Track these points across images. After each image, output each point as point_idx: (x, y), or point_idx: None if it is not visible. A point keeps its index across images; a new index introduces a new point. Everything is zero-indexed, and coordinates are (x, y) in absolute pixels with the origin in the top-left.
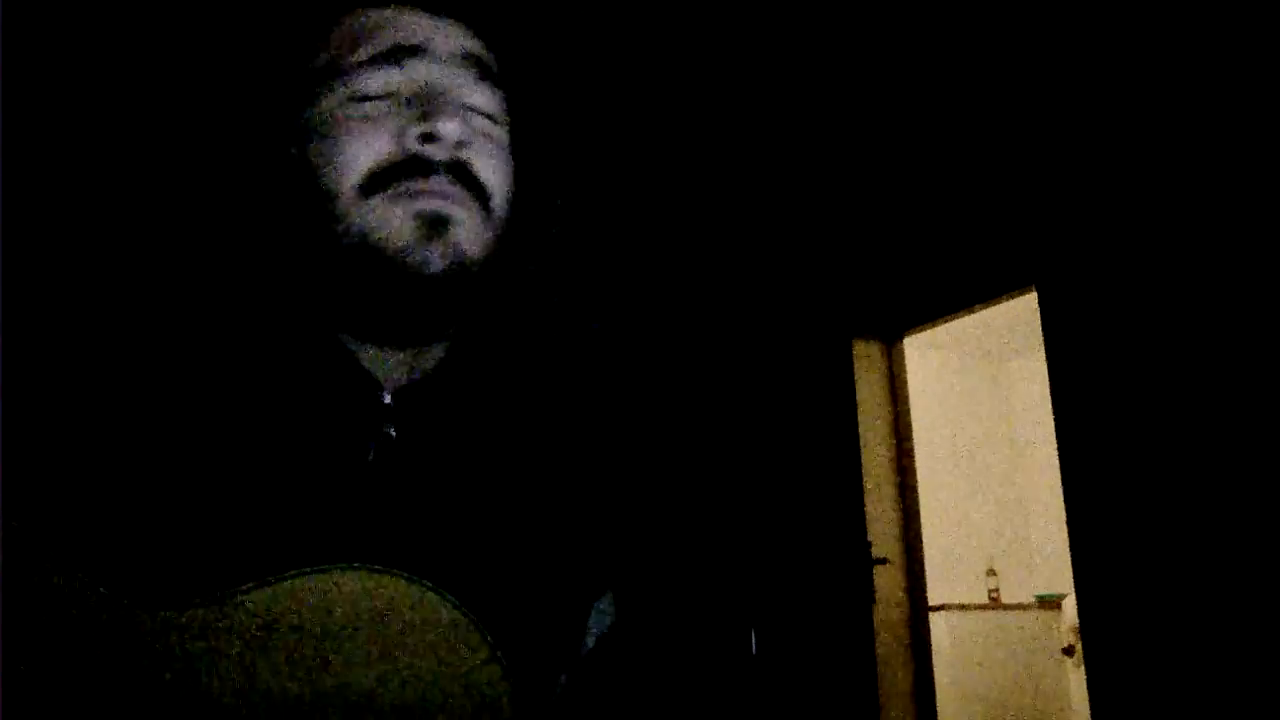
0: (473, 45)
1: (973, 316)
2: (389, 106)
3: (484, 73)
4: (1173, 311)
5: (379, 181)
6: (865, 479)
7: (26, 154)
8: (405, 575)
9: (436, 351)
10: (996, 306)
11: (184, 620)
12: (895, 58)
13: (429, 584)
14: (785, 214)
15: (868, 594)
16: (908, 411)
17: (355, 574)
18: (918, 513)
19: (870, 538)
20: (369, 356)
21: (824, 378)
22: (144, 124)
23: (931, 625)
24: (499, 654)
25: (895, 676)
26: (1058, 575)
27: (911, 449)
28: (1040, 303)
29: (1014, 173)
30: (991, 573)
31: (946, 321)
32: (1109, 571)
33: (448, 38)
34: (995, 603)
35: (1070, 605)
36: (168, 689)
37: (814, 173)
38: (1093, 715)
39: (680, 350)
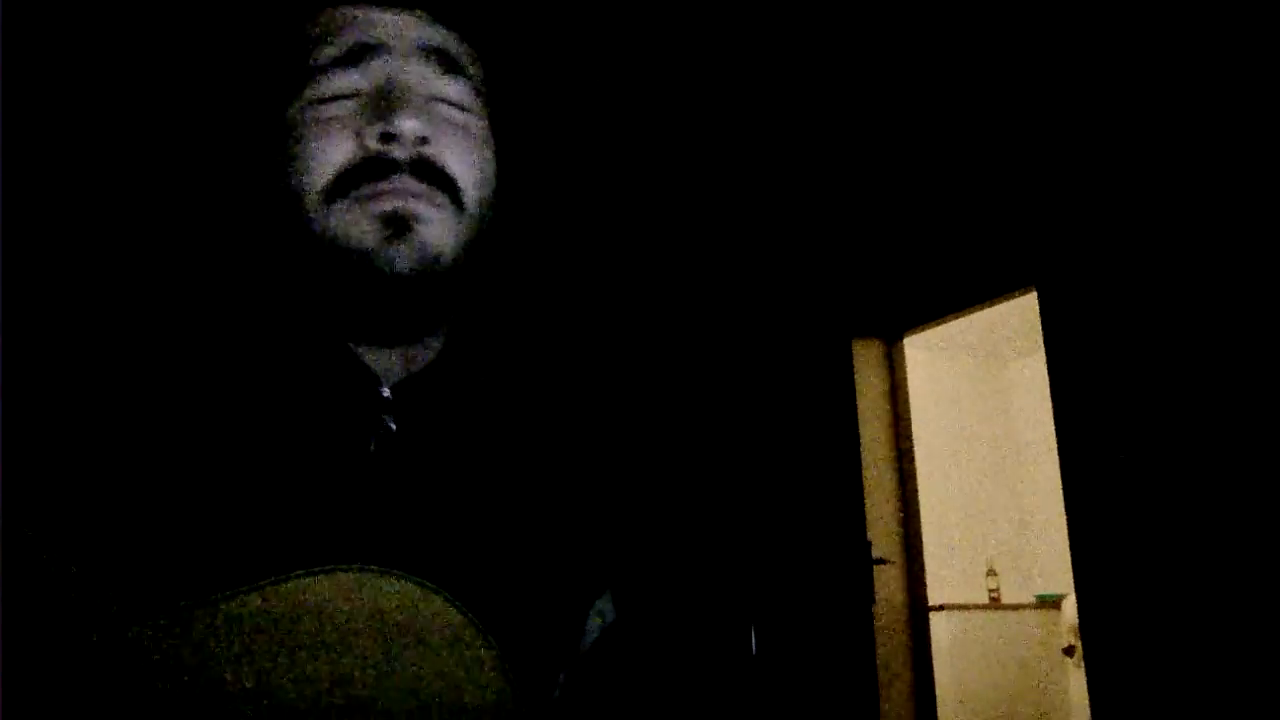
0: (437, 36)
1: (973, 316)
2: (352, 107)
3: (449, 63)
4: (1173, 312)
5: (342, 185)
6: (865, 479)
7: (20, 160)
8: (406, 576)
9: (433, 345)
10: (996, 307)
11: (185, 621)
12: (896, 58)
13: (430, 584)
14: (785, 214)
15: (868, 594)
16: (908, 411)
17: (357, 575)
18: (918, 513)
19: (870, 538)
20: (366, 352)
21: (824, 378)
22: (132, 131)
23: (931, 625)
24: (499, 654)
25: (895, 676)
26: (1058, 575)
27: (911, 449)
28: (1040, 303)
29: (1014, 173)
30: (991, 573)
31: (946, 321)
32: (1109, 571)
33: (408, 31)
34: (995, 603)
35: (1070, 605)
36: (168, 690)
37: (814, 173)
38: (1093, 715)
39: (681, 349)
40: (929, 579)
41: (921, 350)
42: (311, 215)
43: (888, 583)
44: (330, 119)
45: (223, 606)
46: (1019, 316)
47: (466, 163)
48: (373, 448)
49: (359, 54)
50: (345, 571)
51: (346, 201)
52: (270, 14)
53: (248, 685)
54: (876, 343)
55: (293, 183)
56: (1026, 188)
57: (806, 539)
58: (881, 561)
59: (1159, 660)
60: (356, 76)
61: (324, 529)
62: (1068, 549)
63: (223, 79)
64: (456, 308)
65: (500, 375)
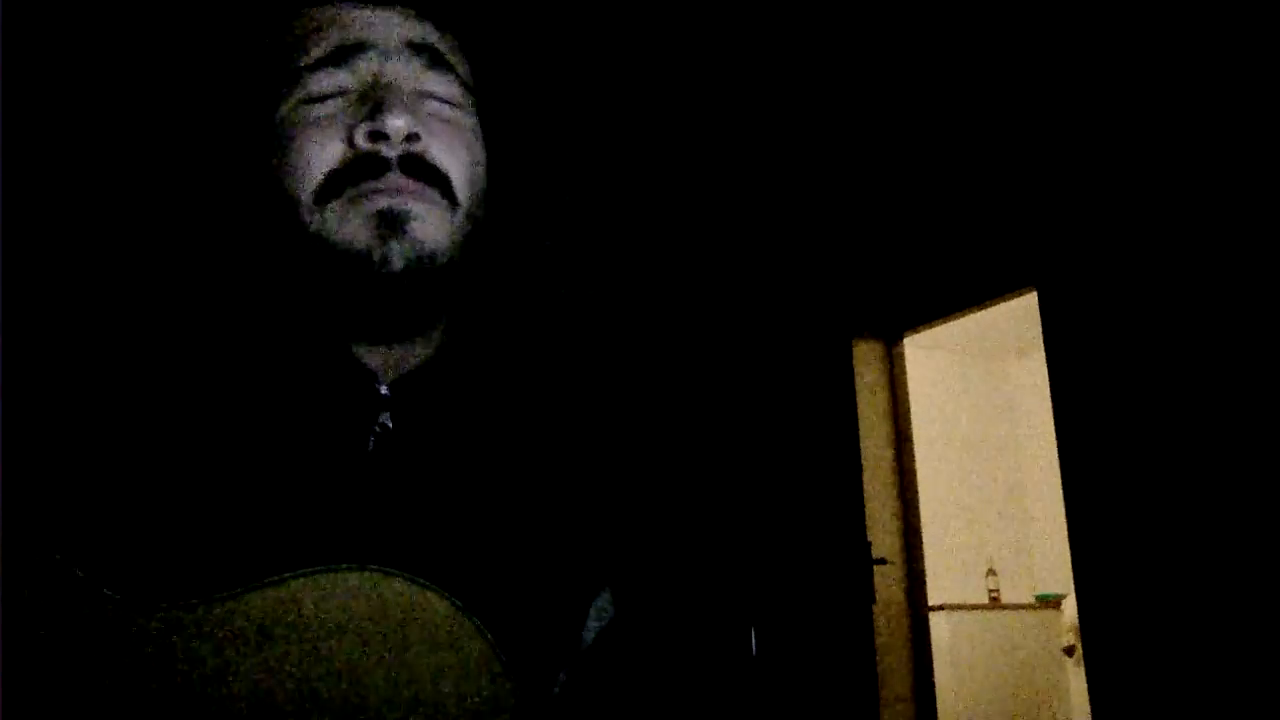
0: (422, 32)
1: (973, 316)
2: (340, 106)
3: (436, 59)
4: (1173, 312)
5: (334, 185)
6: (865, 479)
7: (16, 162)
8: (405, 575)
9: (430, 343)
10: (996, 306)
11: (185, 621)
12: (897, 58)
13: (428, 583)
14: (785, 214)
15: (868, 594)
16: (908, 411)
17: (356, 574)
18: (918, 513)
19: (870, 538)
20: (362, 350)
21: (824, 378)
22: (124, 134)
23: (931, 625)
24: (499, 652)
25: (895, 676)
26: (1058, 575)
27: (911, 449)
28: (1040, 303)
29: (1014, 174)
30: (991, 573)
31: (946, 321)
32: (1109, 571)
33: (393, 29)
34: (995, 603)
35: (1070, 605)
36: (168, 690)
37: (814, 173)
38: (1093, 715)
39: (680, 348)
40: (929, 579)
41: (921, 350)
42: (305, 216)
43: (888, 583)
44: (319, 119)
45: (222, 606)
46: (1019, 316)
47: (457, 158)
48: (371, 446)
49: (345, 53)
50: (344, 571)
51: (339, 201)
52: (254, 14)
53: (246, 685)
54: (876, 343)
55: (285, 184)
56: (1026, 188)
57: (806, 539)
58: (881, 561)
59: (1159, 660)
60: (344, 76)
61: (322, 528)
62: (1068, 549)
63: (209, 80)
64: (452, 304)
65: (498, 372)
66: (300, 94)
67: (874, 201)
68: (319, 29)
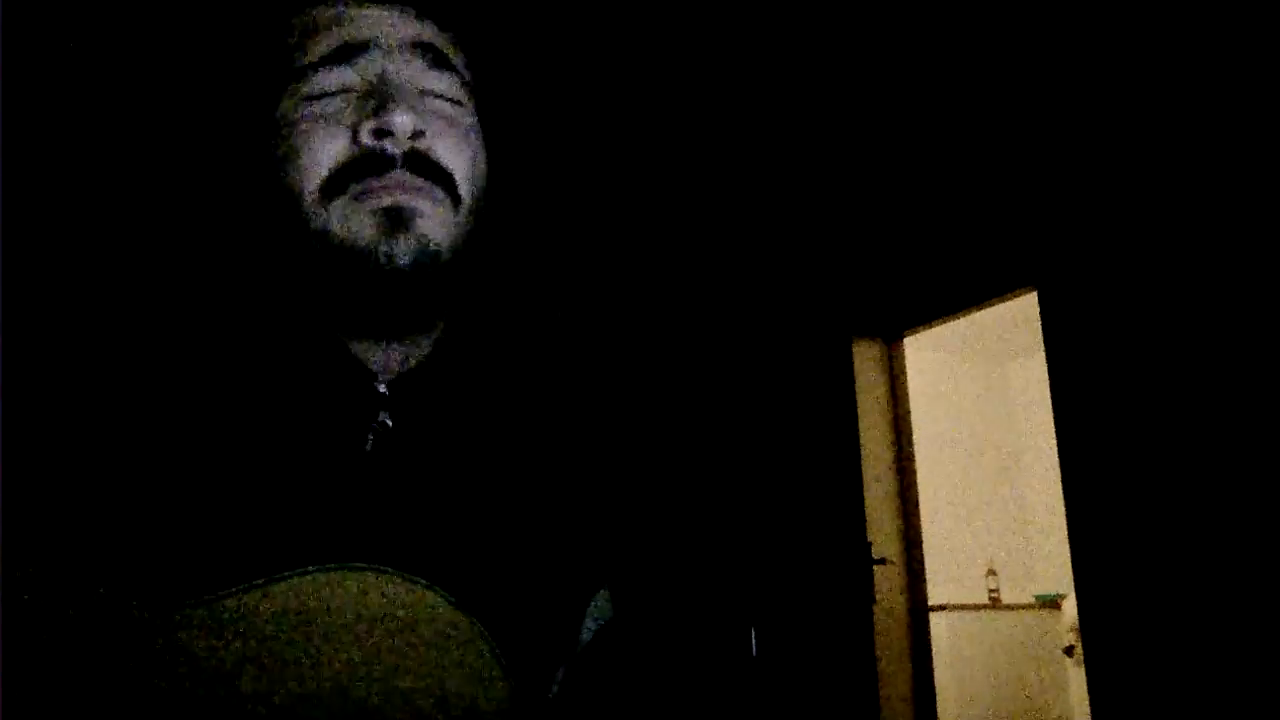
0: (424, 31)
1: (973, 316)
2: (344, 103)
3: (438, 58)
4: (1173, 312)
5: (339, 182)
6: (865, 479)
7: (15, 159)
8: (403, 574)
9: (429, 341)
10: (996, 306)
11: (184, 620)
12: (897, 57)
13: (426, 582)
14: (785, 214)
15: (868, 594)
16: (908, 411)
17: (355, 573)
18: (918, 513)
19: (870, 538)
20: (362, 348)
21: (824, 378)
22: (123, 131)
23: (931, 625)
24: (497, 651)
25: (895, 676)
26: (1058, 575)
27: (911, 449)
28: (1040, 303)
29: (1014, 173)
30: (991, 573)
31: (946, 321)
32: (1109, 571)
33: (397, 27)
34: (995, 603)
35: (1070, 605)
36: (166, 689)
37: (814, 173)
38: (1093, 715)
39: (680, 348)
40: (929, 579)
41: (921, 350)
42: (308, 212)
43: (888, 583)
44: (322, 116)
45: (221, 605)
46: (1019, 316)
47: (460, 155)
48: (369, 445)
49: (349, 51)
50: (342, 570)
51: (343, 198)
52: (255, 12)
53: (245, 683)
54: (876, 343)
55: (288, 181)
56: (1026, 188)
57: (807, 539)
58: (881, 561)
59: (1159, 660)
60: (347, 73)
61: (321, 527)
62: (1068, 549)
63: (209, 76)
64: (454, 302)
65: (497, 371)
66: (303, 91)
67: (874, 202)
68: (321, 27)
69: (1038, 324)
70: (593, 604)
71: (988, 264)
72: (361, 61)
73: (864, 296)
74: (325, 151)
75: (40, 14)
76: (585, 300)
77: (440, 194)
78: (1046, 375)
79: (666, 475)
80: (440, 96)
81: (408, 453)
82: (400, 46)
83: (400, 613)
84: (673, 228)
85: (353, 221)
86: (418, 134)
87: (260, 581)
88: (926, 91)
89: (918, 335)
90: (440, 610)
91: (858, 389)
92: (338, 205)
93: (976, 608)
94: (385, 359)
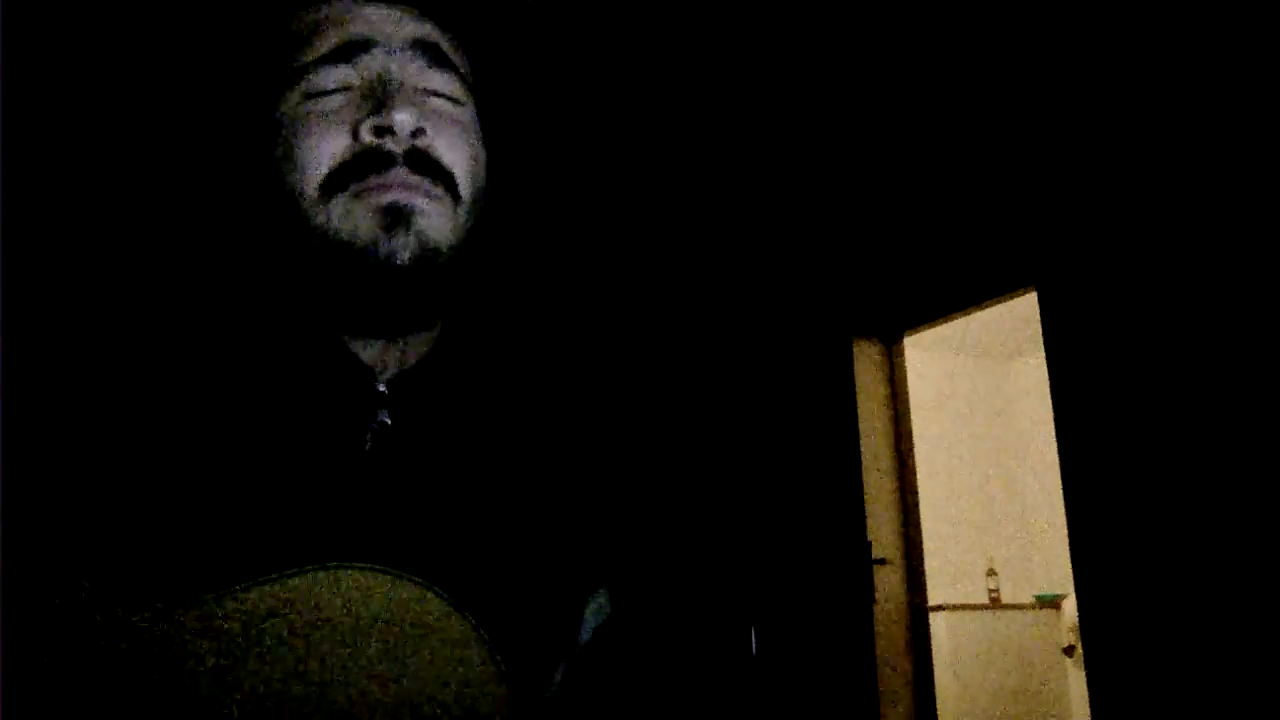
0: (425, 31)
1: (973, 316)
2: (344, 101)
3: (438, 57)
4: (1173, 312)
5: (339, 179)
6: (865, 479)
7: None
8: (401, 574)
9: (428, 339)
10: (996, 306)
11: (182, 619)
12: (896, 57)
13: (423, 581)
14: (785, 214)
15: (868, 594)
16: (908, 411)
17: (353, 573)
18: (918, 513)
19: (870, 538)
20: (361, 347)
21: (824, 378)
22: (120, 128)
23: (931, 625)
24: (495, 651)
25: (895, 676)
26: (1058, 575)
27: (911, 449)
28: (1040, 303)
29: (1014, 173)
30: (991, 573)
31: (946, 321)
32: (1109, 571)
33: (398, 26)
34: (995, 603)
35: (1070, 605)
36: (164, 688)
37: (814, 173)
38: (1093, 715)
39: (680, 348)
40: (929, 579)
41: (921, 350)
42: (309, 210)
43: (888, 583)
44: (323, 113)
45: (218, 604)
46: (1019, 316)
47: (460, 154)
48: (368, 444)
49: (351, 50)
50: (339, 569)
51: (344, 195)
52: (255, 10)
53: (241, 682)
54: (876, 343)
55: (287, 178)
56: (1026, 187)
57: (807, 539)
58: (881, 561)
59: (1159, 660)
60: (348, 71)
61: (319, 526)
62: (1068, 549)
63: (208, 73)
64: (453, 300)
65: (495, 369)
66: (303, 89)
67: (874, 202)
68: (322, 26)
69: (1038, 324)
70: (591, 603)
71: (988, 264)
72: (363, 60)
73: (864, 296)
74: (326, 149)
75: (40, 13)
76: (585, 299)
77: (440, 192)
78: (1046, 375)
79: (667, 475)
80: (441, 95)
81: (406, 452)
82: (402, 45)
83: (397, 612)
84: (673, 227)
85: (353, 218)
86: (418, 132)
87: (258, 581)
88: (926, 92)
89: (918, 335)
90: (437, 610)
91: (858, 389)
92: (338, 202)
93: (976, 608)
94: (384, 357)
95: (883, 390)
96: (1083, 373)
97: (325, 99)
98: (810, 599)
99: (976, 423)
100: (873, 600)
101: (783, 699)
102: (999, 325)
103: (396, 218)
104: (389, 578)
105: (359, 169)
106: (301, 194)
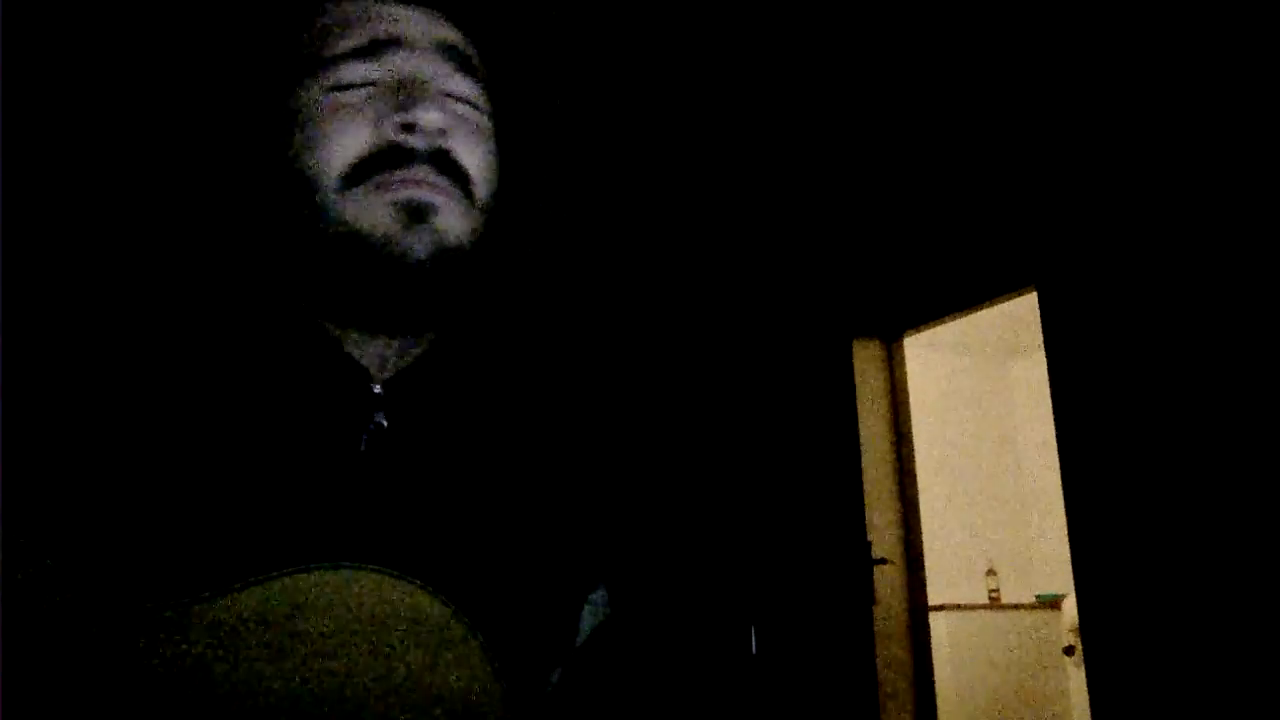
0: (450, 35)
1: (973, 316)
2: (368, 95)
3: (462, 62)
4: (1173, 312)
5: (361, 172)
6: (865, 479)
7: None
8: (397, 574)
9: (425, 339)
10: (996, 306)
11: (177, 619)
12: (896, 58)
13: (419, 581)
14: (785, 214)
15: (868, 594)
16: (908, 412)
17: (347, 572)
18: (918, 513)
19: (870, 538)
20: (358, 346)
21: (824, 378)
22: (122, 116)
23: (931, 625)
24: (489, 652)
25: (895, 676)
26: (1058, 575)
27: (911, 449)
28: (1040, 303)
29: (1014, 173)
30: (991, 573)
31: (946, 321)
32: (1109, 571)
33: (425, 28)
34: (995, 603)
35: (1070, 605)
36: (159, 688)
37: (814, 173)
38: (1093, 715)
39: (680, 348)
40: (929, 579)
41: (921, 350)
42: (327, 199)
43: (888, 583)
44: (347, 106)
45: (215, 604)
46: (1019, 316)
47: (476, 158)
48: (364, 445)
49: (379, 47)
50: (335, 569)
51: (364, 188)
52: (279, 2)
53: (238, 682)
54: (876, 342)
55: (308, 167)
56: (1026, 187)
57: (806, 539)
58: (881, 561)
59: (1159, 660)
60: (374, 68)
61: (315, 526)
62: (1068, 549)
63: (223, 59)
64: (458, 298)
65: (492, 369)
66: (328, 81)
67: (874, 202)
68: (351, 20)
69: (1038, 324)
70: (589, 603)
71: (988, 264)
72: (389, 57)
73: (864, 296)
74: (348, 141)
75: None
76: (583, 300)
77: (458, 193)
78: (1046, 375)
79: (667, 474)
80: (462, 99)
81: (402, 453)
82: (427, 47)
83: (392, 612)
84: (673, 228)
85: (372, 211)
86: (442, 132)
87: (255, 580)
88: (927, 92)
89: (918, 335)
90: (433, 610)
91: (858, 389)
92: (357, 194)
93: (976, 608)
94: (381, 358)
95: (883, 390)
96: (1083, 373)
97: (349, 92)
98: (810, 599)
99: (976, 423)
100: (873, 600)
101: (783, 699)
102: (999, 325)
103: (416, 213)
104: (384, 577)
105: (382, 163)
106: (320, 184)
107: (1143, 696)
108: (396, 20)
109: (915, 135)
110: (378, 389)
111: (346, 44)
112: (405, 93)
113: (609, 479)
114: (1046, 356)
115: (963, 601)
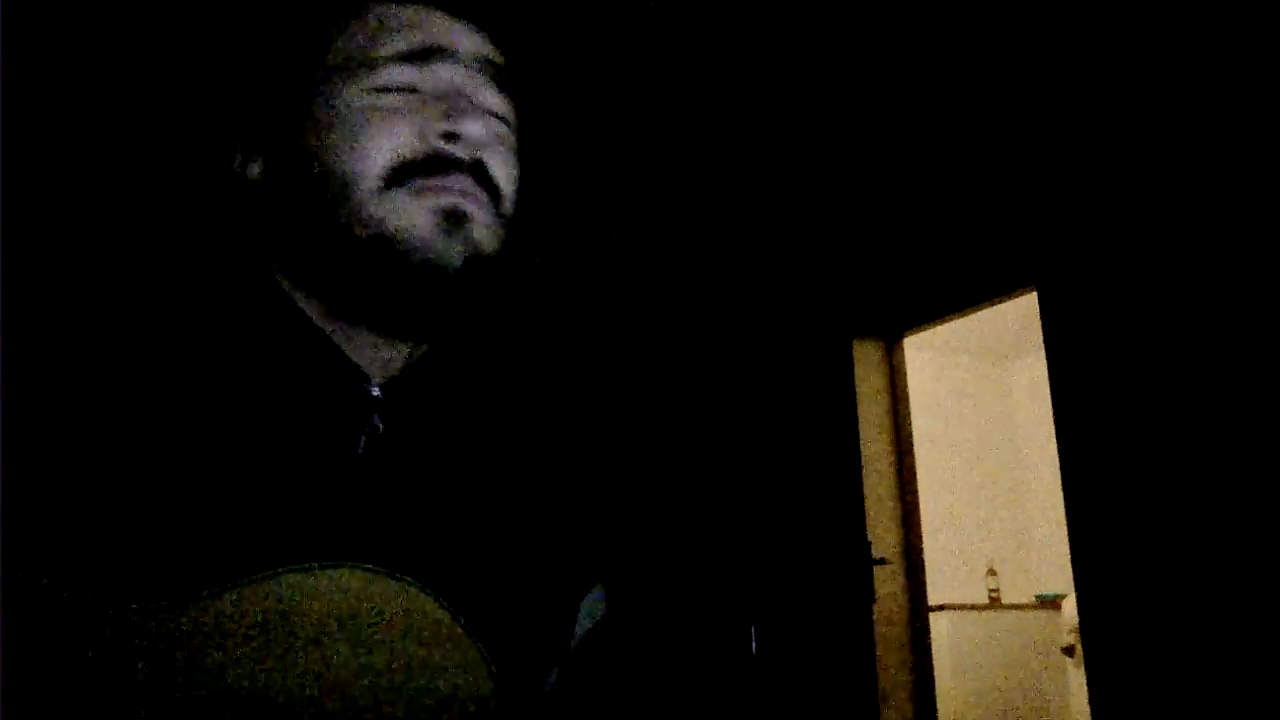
0: (490, 51)
1: (973, 316)
2: (410, 101)
3: (499, 78)
4: (1173, 312)
5: (401, 175)
6: (865, 479)
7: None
8: (392, 573)
9: (424, 342)
10: (996, 306)
11: (174, 618)
12: (896, 58)
13: (415, 581)
14: (786, 215)
15: (867, 594)
16: (908, 411)
17: (342, 571)
18: (918, 513)
19: (870, 538)
20: (356, 349)
21: (824, 378)
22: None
23: (931, 625)
24: (485, 652)
25: (895, 676)
26: (1058, 575)
27: (911, 449)
28: (1040, 303)
29: (1014, 173)
30: (991, 573)
31: (947, 321)
32: (1109, 571)
33: (469, 42)
34: (995, 603)
35: (1070, 605)
36: (156, 687)
37: (815, 174)
38: (1093, 715)
39: (680, 348)
40: (929, 579)
41: (921, 350)
42: (365, 199)
43: (888, 583)
44: (389, 109)
45: (211, 603)
46: (1019, 316)
47: (506, 173)
48: (361, 447)
49: (428, 54)
50: (331, 568)
51: (402, 191)
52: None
53: (232, 681)
54: (876, 343)
55: (346, 166)
56: (1026, 187)
57: (806, 539)
58: (881, 561)
59: (1159, 660)
60: (418, 74)
61: (312, 527)
62: (1068, 549)
63: (258, 60)
64: (477, 307)
65: (490, 369)
66: (372, 82)
67: (874, 202)
68: (397, 24)
69: (1038, 324)
70: (586, 603)
71: (988, 264)
72: (436, 66)
73: (864, 297)
74: (389, 143)
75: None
76: (583, 300)
77: (489, 204)
78: (1046, 375)
79: (666, 474)
80: (496, 115)
81: (399, 455)
82: (471, 60)
83: (388, 612)
84: (673, 228)
85: (409, 215)
86: (482, 144)
87: (251, 579)
88: (927, 93)
89: (918, 335)
90: (428, 610)
91: (858, 389)
92: (396, 197)
93: (976, 608)
94: (382, 360)
95: (883, 390)
96: (1083, 373)
97: (389, 95)
98: (810, 599)
99: (976, 423)
100: (873, 600)
101: (783, 699)
102: (999, 325)
103: (454, 221)
104: (380, 577)
105: (422, 169)
106: (357, 183)
107: (1143, 696)
108: (442, 30)
109: (915, 136)
110: (376, 391)
111: (393, 48)
112: (451, 103)
113: (607, 478)
114: (1046, 356)
115: (963, 601)
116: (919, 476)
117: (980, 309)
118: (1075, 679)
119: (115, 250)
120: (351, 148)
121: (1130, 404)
